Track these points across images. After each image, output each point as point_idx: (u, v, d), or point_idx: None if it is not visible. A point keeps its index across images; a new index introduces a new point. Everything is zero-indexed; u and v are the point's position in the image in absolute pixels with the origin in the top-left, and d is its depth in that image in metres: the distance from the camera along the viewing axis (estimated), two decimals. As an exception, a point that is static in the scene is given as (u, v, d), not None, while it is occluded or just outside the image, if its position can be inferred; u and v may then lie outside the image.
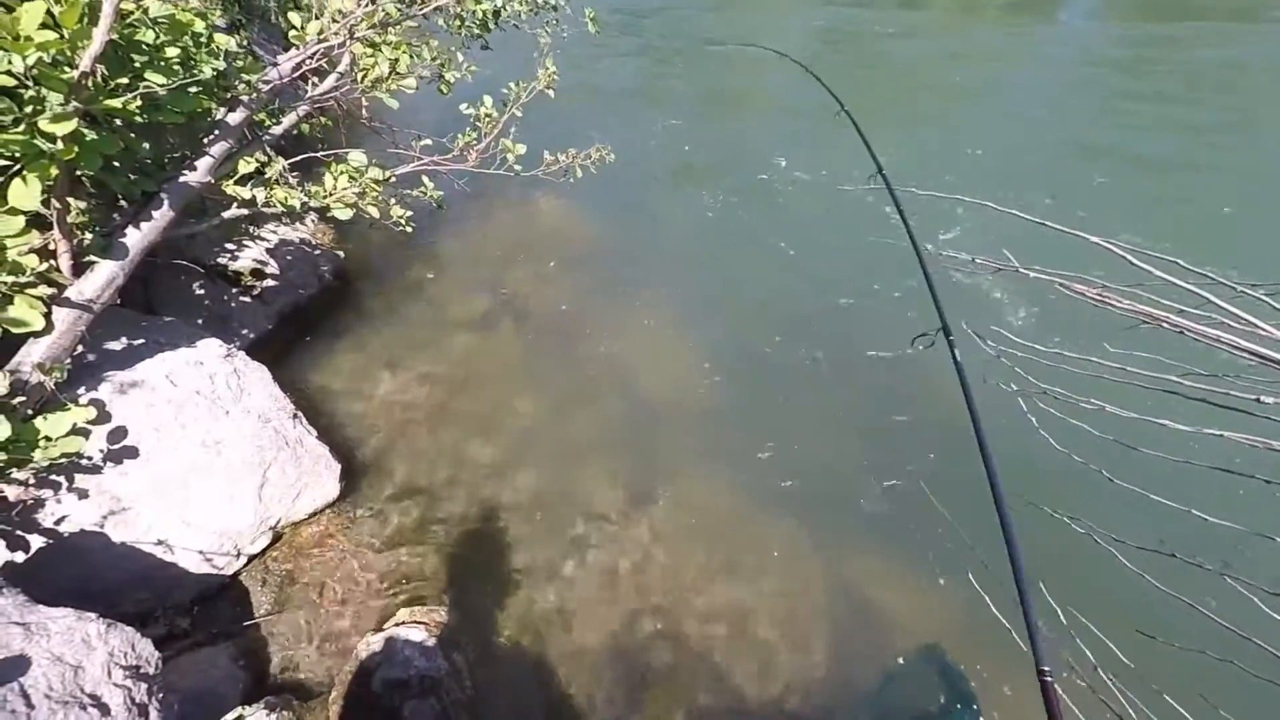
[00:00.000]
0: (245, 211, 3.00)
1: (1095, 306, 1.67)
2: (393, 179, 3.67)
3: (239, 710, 2.17)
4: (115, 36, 2.19)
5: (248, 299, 4.21)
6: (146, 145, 2.53)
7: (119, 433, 2.44)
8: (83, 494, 2.36)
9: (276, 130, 3.25)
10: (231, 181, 2.86)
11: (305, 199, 3.16)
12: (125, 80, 2.28)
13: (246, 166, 2.87)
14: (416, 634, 2.52)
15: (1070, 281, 1.69)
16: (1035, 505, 2.32)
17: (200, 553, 2.57)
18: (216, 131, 2.74)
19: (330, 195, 3.26)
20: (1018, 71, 7.78)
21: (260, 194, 2.97)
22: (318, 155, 3.46)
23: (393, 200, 3.81)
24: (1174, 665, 1.75)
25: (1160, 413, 1.60)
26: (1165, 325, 1.54)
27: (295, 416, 3.05)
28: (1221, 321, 1.46)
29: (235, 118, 2.81)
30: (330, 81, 3.58)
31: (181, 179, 2.62)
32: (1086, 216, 5.28)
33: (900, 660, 2.76)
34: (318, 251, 4.88)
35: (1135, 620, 1.77)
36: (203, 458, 2.57)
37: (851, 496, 3.35)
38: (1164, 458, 1.73)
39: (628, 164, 6.10)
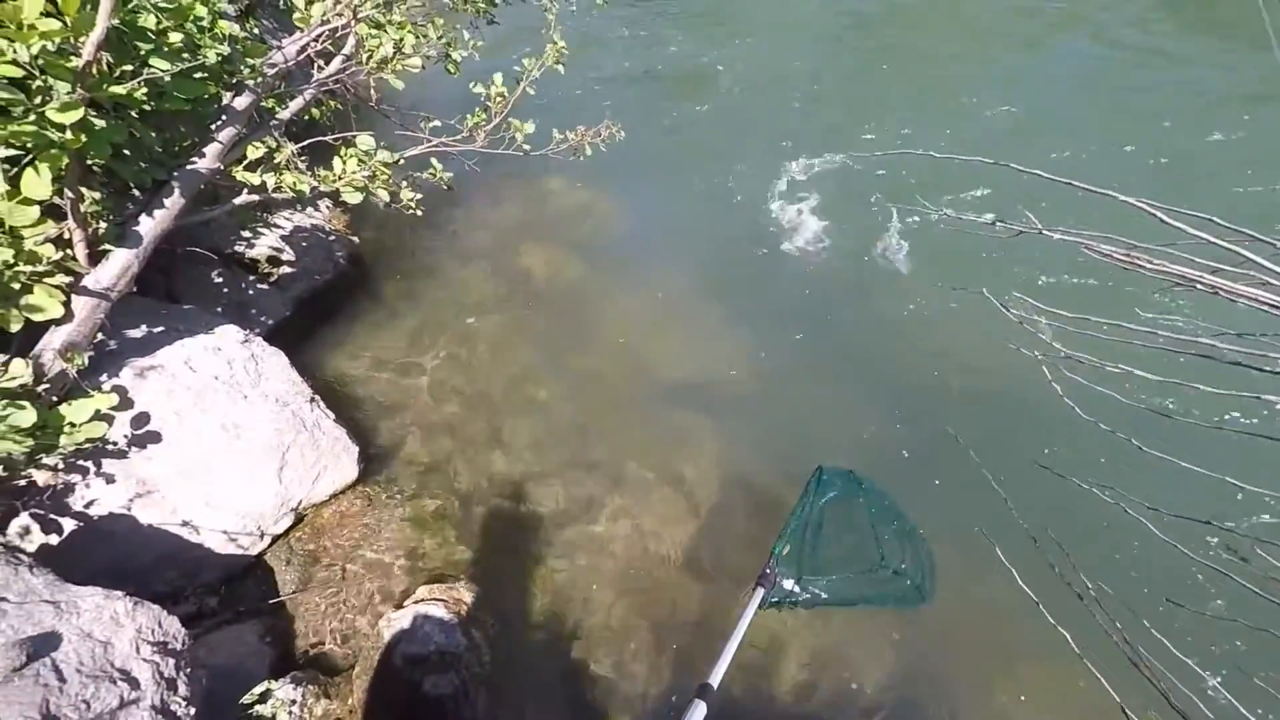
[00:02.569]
0: (256, 198, 3.02)
1: (1125, 270, 1.59)
2: (401, 161, 3.65)
3: (266, 684, 2.23)
4: (118, 22, 2.19)
5: (265, 286, 4.25)
6: (155, 133, 2.54)
7: (142, 418, 2.49)
8: (110, 478, 2.42)
9: (284, 115, 3.25)
10: (241, 167, 2.87)
11: (315, 183, 3.16)
12: (130, 67, 2.28)
13: (255, 152, 2.88)
14: (437, 611, 2.56)
15: (1097, 243, 1.62)
16: (1064, 476, 2.25)
17: (225, 533, 2.63)
18: (224, 118, 2.74)
19: (340, 179, 3.25)
20: (1037, 30, 7.46)
21: (270, 179, 2.98)
22: (326, 139, 3.45)
23: (404, 184, 3.80)
24: (1204, 634, 1.70)
25: (1193, 378, 1.53)
26: (1199, 286, 1.46)
27: (313, 400, 3.09)
28: (1262, 280, 1.38)
29: (242, 103, 2.81)
30: (336, 64, 3.55)
31: (191, 166, 2.63)
32: (1113, 176, 5.06)
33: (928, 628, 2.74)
34: (332, 238, 4.91)
35: (1163, 589, 1.71)
36: (223, 441, 2.62)
37: (887, 476, 3.29)
38: (1196, 424, 1.66)
39: (640, 141, 6.01)
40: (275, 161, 3.03)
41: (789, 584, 2.13)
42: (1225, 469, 1.50)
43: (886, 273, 4.43)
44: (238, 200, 2.99)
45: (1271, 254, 1.39)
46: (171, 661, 1.78)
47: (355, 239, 5.06)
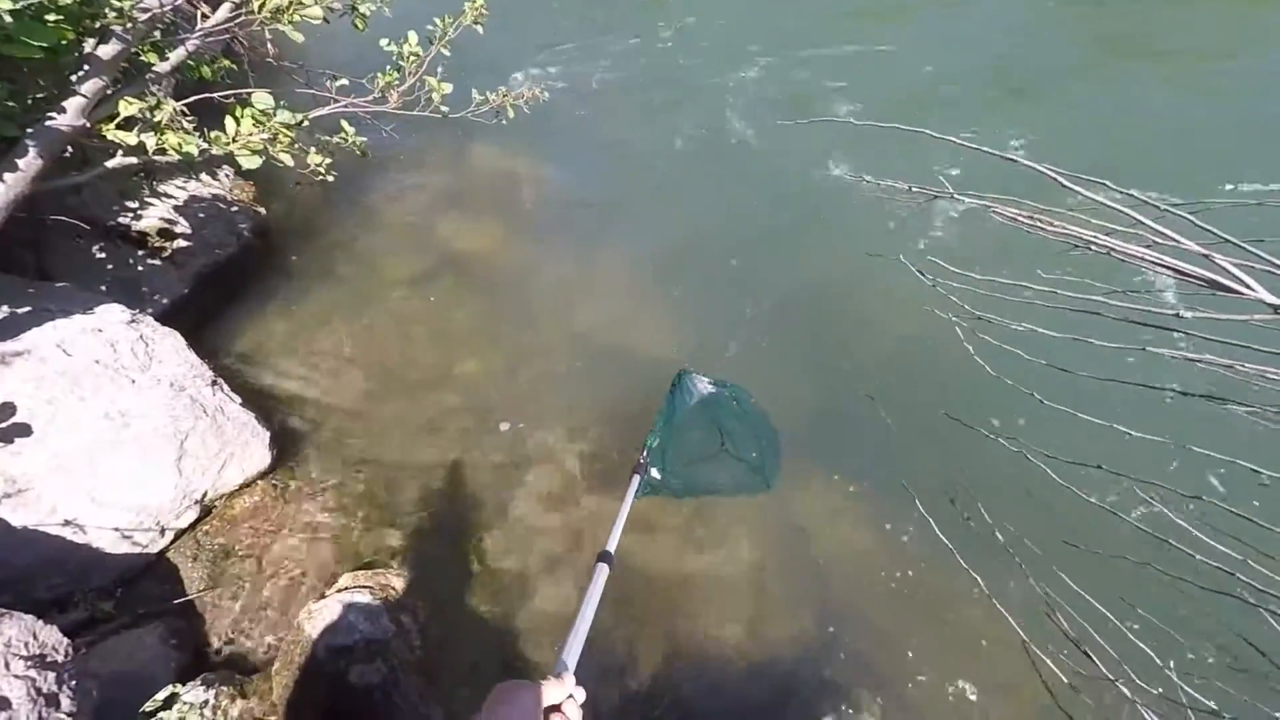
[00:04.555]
0: (134, 160, 2.70)
1: (1028, 232, 1.66)
2: (306, 123, 3.36)
3: (171, 688, 2.07)
4: (-61, -52, 1.87)
5: (157, 261, 3.88)
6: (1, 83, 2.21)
7: (6, 409, 2.22)
8: (-29, 478, 2.15)
9: (163, 68, 2.90)
10: (113, 125, 2.55)
11: (204, 145, 2.86)
12: (-39, 4, 1.96)
13: (129, 108, 2.56)
14: (362, 598, 2.45)
15: (1004, 206, 1.68)
16: (973, 428, 2.37)
17: (117, 531, 2.40)
18: (86, 68, 2.42)
19: (234, 141, 2.96)
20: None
21: (150, 140, 2.67)
22: (215, 96, 3.13)
23: (312, 149, 3.52)
24: (1098, 572, 1.84)
25: (1088, 334, 1.62)
26: (1094, 247, 1.54)
27: (215, 383, 2.85)
28: (1148, 239, 1.47)
29: (108, 51, 2.48)
30: (224, 11, 3.20)
31: (49, 123, 2.32)
32: (1020, 142, 5.31)
33: (851, 594, 2.85)
34: (234, 208, 4.51)
35: (1062, 533, 1.84)
36: (108, 431, 2.38)
37: (811, 435, 3.39)
38: (1091, 378, 1.76)
39: (566, 103, 5.82)
40: (155, 120, 2.72)
41: (655, 472, 2.49)
42: (1115, 418, 1.61)
43: (807, 238, 4.50)
44: (111, 163, 2.67)
45: (1156, 215, 1.47)
46: (51, 675, 1.61)
47: (262, 210, 4.68)
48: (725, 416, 2.86)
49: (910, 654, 2.67)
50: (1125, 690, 1.44)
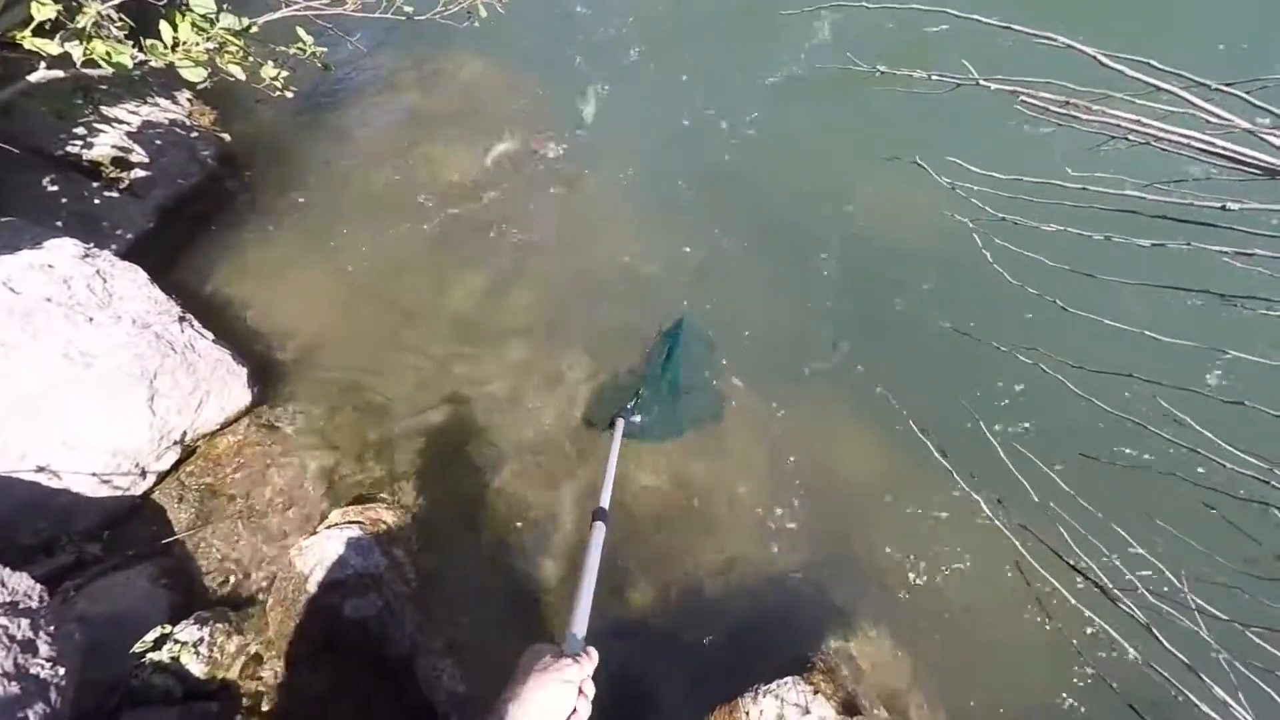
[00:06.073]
0: (61, 74, 2.43)
1: (1059, 124, 1.47)
2: (255, 29, 3.03)
3: (160, 629, 2.05)
4: None
5: (115, 194, 3.63)
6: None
7: (-46, 352, 2.09)
8: (-72, 425, 2.05)
9: (79, -36, 2.57)
10: (28, 32, 2.27)
11: (140, 56, 2.57)
12: None
13: (43, 11, 2.26)
14: (352, 533, 2.41)
15: (1033, 92, 1.47)
16: (980, 340, 2.23)
17: (95, 475, 2.32)
18: (-14, -38, 2.12)
19: (173, 51, 2.66)
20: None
21: (75, 49, 2.39)
22: (151, 1, 2.79)
23: (268, 62, 3.20)
24: (1116, 486, 1.75)
25: (1126, 232, 1.47)
26: (1133, 136, 1.35)
27: (182, 319, 2.70)
28: (1198, 120, 1.27)
29: (9, -59, 2.17)
30: (146, -103, 2.81)
31: (-48, 29, 2.05)
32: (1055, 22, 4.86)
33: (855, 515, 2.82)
34: (195, 134, 4.20)
35: (1078, 445, 1.74)
36: (68, 372, 2.25)
37: (806, 360, 3.27)
38: (1121, 282, 1.61)
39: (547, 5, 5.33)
40: (78, 26, 2.42)
41: (637, 419, 2.75)
42: (1141, 326, 1.47)
43: (816, 141, 4.19)
44: (34, 77, 2.40)
45: (1206, 95, 1.27)
46: (25, 621, 1.56)
47: (225, 135, 4.37)
48: (684, 354, 3.10)
49: (908, 575, 2.66)
50: (1136, 610, 1.37)
